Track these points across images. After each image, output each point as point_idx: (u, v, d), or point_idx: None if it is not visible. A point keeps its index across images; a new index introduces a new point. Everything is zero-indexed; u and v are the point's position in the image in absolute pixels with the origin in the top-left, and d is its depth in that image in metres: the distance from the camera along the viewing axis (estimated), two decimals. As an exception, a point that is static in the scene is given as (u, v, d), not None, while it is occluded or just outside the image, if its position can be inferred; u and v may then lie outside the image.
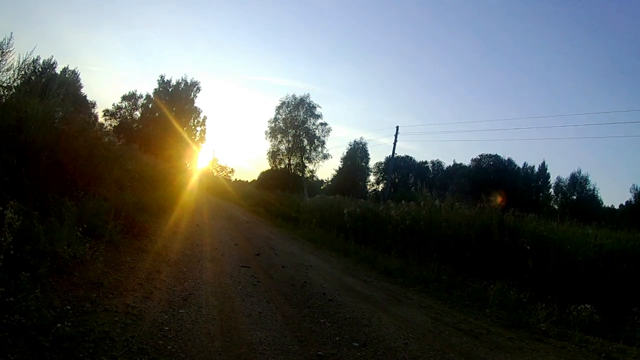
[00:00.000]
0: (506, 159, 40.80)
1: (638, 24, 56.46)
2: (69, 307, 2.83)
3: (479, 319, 4.69)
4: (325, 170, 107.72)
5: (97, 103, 36.15)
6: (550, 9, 64.91)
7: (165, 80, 34.98)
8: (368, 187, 48.38)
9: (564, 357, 3.68)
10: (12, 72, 4.82)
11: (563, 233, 6.18)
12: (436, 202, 8.44)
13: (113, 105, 35.67)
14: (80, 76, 32.37)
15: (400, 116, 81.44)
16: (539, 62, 68.79)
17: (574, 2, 63.29)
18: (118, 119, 35.34)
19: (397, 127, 23.55)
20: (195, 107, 35.80)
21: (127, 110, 36.02)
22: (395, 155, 25.78)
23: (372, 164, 47.45)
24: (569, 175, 39.54)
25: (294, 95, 33.61)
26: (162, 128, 31.17)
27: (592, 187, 38.23)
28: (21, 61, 4.92)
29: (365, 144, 43.88)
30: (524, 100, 69.76)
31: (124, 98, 35.84)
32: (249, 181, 47.67)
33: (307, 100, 33.40)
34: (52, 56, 30.78)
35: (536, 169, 41.07)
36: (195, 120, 36.21)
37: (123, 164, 7.32)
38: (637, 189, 33.77)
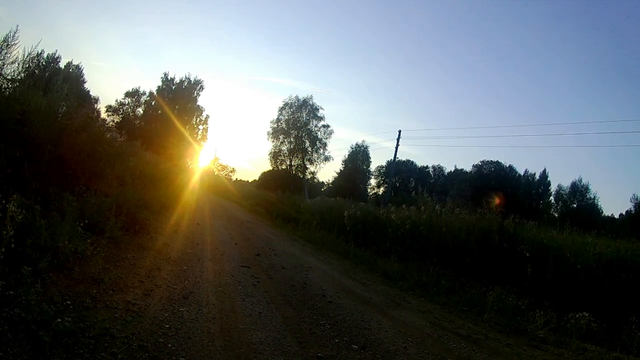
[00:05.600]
0: (507, 165, 40.95)
1: (641, 32, 56.51)
2: (69, 303, 2.83)
3: (478, 324, 4.69)
4: (326, 172, 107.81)
5: (100, 98, 36.03)
6: (554, 15, 65.10)
7: (169, 78, 34.83)
8: (369, 190, 48.34)
9: (562, 364, 3.68)
10: (16, 65, 4.84)
11: (562, 241, 6.18)
12: (436, 207, 8.44)
13: (116, 101, 35.51)
14: (83, 71, 32.28)
15: (402, 120, 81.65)
16: (542, 69, 68.97)
17: (578, 8, 63.46)
18: (120, 115, 35.19)
19: (400, 131, 23.41)
20: (198, 105, 35.62)
21: (130, 106, 35.89)
22: (396, 159, 25.77)
23: (373, 167, 47.47)
24: (569, 184, 39.64)
25: (297, 97, 33.56)
26: (164, 126, 31.06)
27: (592, 196, 38.28)
28: (26, 54, 4.94)
29: (367, 147, 43.88)
30: (526, 107, 70.02)
31: (127, 94, 35.72)
32: (250, 181, 47.71)
33: (310, 102, 33.38)
34: (56, 50, 30.57)
35: (537, 177, 41.16)
36: (198, 119, 36.04)
37: (125, 161, 7.31)
38: (637, 199, 33.78)
